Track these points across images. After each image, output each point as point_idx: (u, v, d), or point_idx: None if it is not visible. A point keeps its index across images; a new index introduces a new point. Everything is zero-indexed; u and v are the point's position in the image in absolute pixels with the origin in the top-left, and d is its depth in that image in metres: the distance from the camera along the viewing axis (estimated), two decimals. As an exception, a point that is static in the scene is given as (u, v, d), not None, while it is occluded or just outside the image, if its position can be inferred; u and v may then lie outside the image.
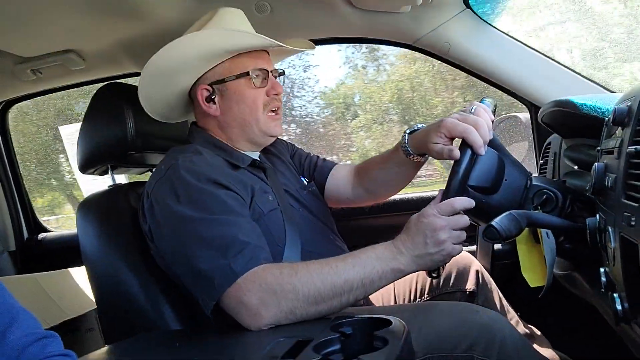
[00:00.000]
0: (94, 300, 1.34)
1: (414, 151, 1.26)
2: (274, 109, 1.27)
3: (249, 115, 1.24)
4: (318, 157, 1.53)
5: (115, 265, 1.24)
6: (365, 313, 1.06)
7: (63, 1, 1.34)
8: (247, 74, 1.22)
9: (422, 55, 1.69)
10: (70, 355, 0.78)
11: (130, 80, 2.04)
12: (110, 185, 1.44)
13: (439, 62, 1.70)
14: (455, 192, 1.04)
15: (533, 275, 1.17)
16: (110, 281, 1.25)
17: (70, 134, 2.35)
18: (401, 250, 1.01)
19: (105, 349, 1.07)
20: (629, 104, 0.77)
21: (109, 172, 1.46)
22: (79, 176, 2.38)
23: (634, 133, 0.71)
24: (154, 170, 1.24)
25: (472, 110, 1.11)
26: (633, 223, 0.65)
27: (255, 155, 1.32)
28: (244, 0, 1.51)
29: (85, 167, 1.45)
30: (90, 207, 1.34)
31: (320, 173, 1.47)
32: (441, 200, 1.04)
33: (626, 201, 0.70)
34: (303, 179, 1.44)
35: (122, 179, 1.79)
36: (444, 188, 1.06)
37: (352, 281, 0.98)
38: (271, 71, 1.26)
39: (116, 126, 1.35)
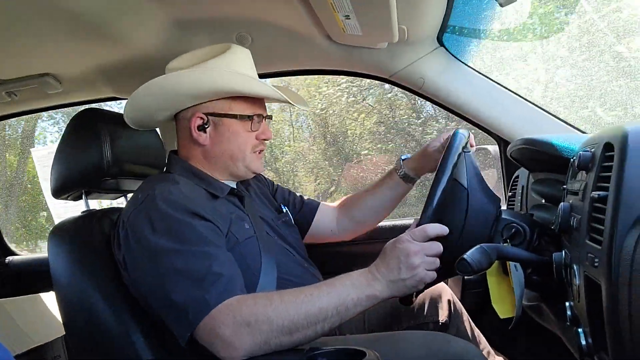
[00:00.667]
0: (62, 327, 1.31)
1: (409, 172, 1.45)
2: (259, 150, 1.31)
3: (237, 153, 1.27)
4: (301, 195, 1.59)
5: (86, 292, 1.22)
6: (339, 343, 1.08)
7: (41, 25, 1.33)
8: (249, 117, 1.26)
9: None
10: None
11: (104, 105, 2.04)
12: (84, 211, 1.42)
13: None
14: (449, 166, 1.09)
15: (502, 306, 1.20)
16: (81, 308, 1.23)
17: (43, 156, 2.32)
18: (376, 276, 1.03)
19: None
20: (592, 149, 0.82)
21: (83, 197, 1.44)
22: (50, 200, 2.33)
23: (597, 179, 0.76)
24: (130, 198, 1.23)
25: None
26: (596, 264, 0.69)
27: (233, 184, 1.34)
28: (226, 31, 1.54)
29: (59, 192, 1.43)
30: (63, 233, 1.32)
31: (309, 210, 1.55)
32: (417, 225, 1.07)
33: (590, 242, 0.74)
34: (283, 207, 1.46)
35: (94, 203, 1.76)
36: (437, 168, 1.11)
37: (327, 309, 0.99)
38: (265, 116, 1.30)
39: (93, 152, 1.34)
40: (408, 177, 1.46)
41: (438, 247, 1.04)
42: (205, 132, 1.25)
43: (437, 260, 1.04)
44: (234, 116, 1.25)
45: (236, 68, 1.26)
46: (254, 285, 1.14)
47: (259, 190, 1.47)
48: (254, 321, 0.96)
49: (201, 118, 1.25)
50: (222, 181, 1.30)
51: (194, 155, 1.29)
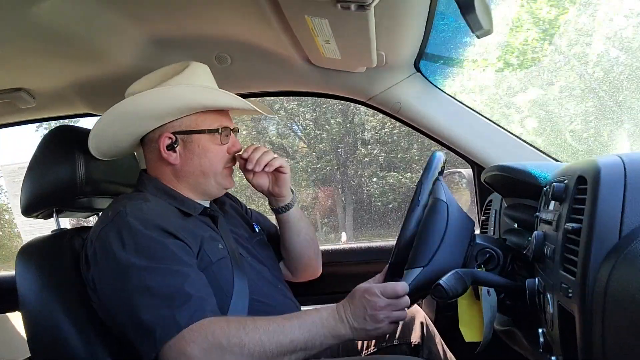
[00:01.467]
0: (27, 349, 1.27)
1: (273, 205, 1.44)
2: (230, 165, 1.31)
3: (209, 169, 1.26)
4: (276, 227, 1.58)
5: (54, 314, 1.19)
6: (314, 368, 1.07)
7: (15, 40, 1.31)
8: (217, 130, 1.25)
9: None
10: None
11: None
12: (54, 230, 1.39)
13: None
14: (427, 186, 1.13)
15: (470, 330, 1.21)
16: (48, 329, 1.19)
17: (12, 171, 2.26)
18: (342, 319, 1.04)
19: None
20: (566, 181, 0.84)
21: (54, 216, 1.41)
22: (18, 217, 2.26)
23: (571, 210, 0.78)
24: (99, 216, 1.22)
25: None
26: (570, 295, 0.71)
27: (207, 203, 1.33)
28: (205, 50, 1.55)
29: (29, 210, 1.39)
30: (32, 252, 1.29)
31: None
32: (395, 249, 1.09)
33: (564, 273, 0.76)
34: (256, 227, 1.46)
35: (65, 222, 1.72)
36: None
37: (297, 342, 1.00)
38: (232, 129, 1.30)
39: (66, 170, 1.32)
40: (275, 209, 1.44)
41: (405, 301, 1.06)
42: (175, 151, 1.25)
43: (404, 313, 1.06)
44: (202, 131, 1.24)
45: (197, 83, 1.26)
46: (225, 306, 1.12)
47: (232, 208, 1.46)
48: (227, 344, 0.95)
49: (169, 138, 1.24)
50: (195, 200, 1.29)
51: (165, 174, 1.28)
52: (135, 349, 1.02)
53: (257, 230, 1.46)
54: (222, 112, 1.29)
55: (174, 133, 1.24)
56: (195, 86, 1.25)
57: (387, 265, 1.15)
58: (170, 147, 1.24)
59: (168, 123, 1.24)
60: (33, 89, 1.63)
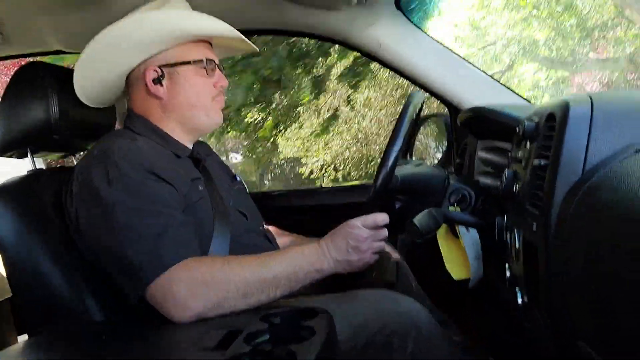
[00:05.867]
0: (8, 288, 1.28)
1: None
2: (218, 99, 1.30)
3: (196, 101, 1.25)
4: None
5: (34, 253, 1.19)
6: (292, 303, 1.12)
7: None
8: (202, 61, 1.24)
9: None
10: None
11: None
12: (30, 171, 1.37)
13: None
14: (404, 127, 1.16)
15: (455, 267, 1.26)
16: (28, 269, 1.20)
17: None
18: (325, 252, 1.08)
19: (27, 341, 1.04)
20: (537, 120, 0.86)
21: (29, 155, 1.39)
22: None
23: (540, 148, 0.80)
24: (85, 153, 1.21)
25: None
26: (534, 229, 0.74)
27: (190, 146, 1.32)
28: (179, -15, 1.48)
29: (2, 150, 1.37)
30: (9, 192, 1.27)
31: None
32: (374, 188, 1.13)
33: (530, 208, 0.79)
34: (237, 177, 1.47)
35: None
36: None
37: (280, 277, 1.03)
38: (216, 63, 1.28)
39: (38, 109, 1.28)
40: None
41: (384, 233, 1.11)
42: (161, 85, 1.23)
43: (383, 244, 1.12)
44: (188, 62, 1.23)
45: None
46: (206, 247, 1.14)
47: (211, 158, 1.46)
48: (212, 280, 0.98)
49: (155, 71, 1.22)
50: (184, 141, 1.28)
51: (153, 110, 1.26)
52: (120, 287, 1.05)
53: (238, 180, 1.47)
54: (207, 44, 1.28)
55: (160, 66, 1.22)
56: (178, 11, 1.23)
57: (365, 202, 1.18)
58: (157, 81, 1.23)
59: (153, 57, 1.22)
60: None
